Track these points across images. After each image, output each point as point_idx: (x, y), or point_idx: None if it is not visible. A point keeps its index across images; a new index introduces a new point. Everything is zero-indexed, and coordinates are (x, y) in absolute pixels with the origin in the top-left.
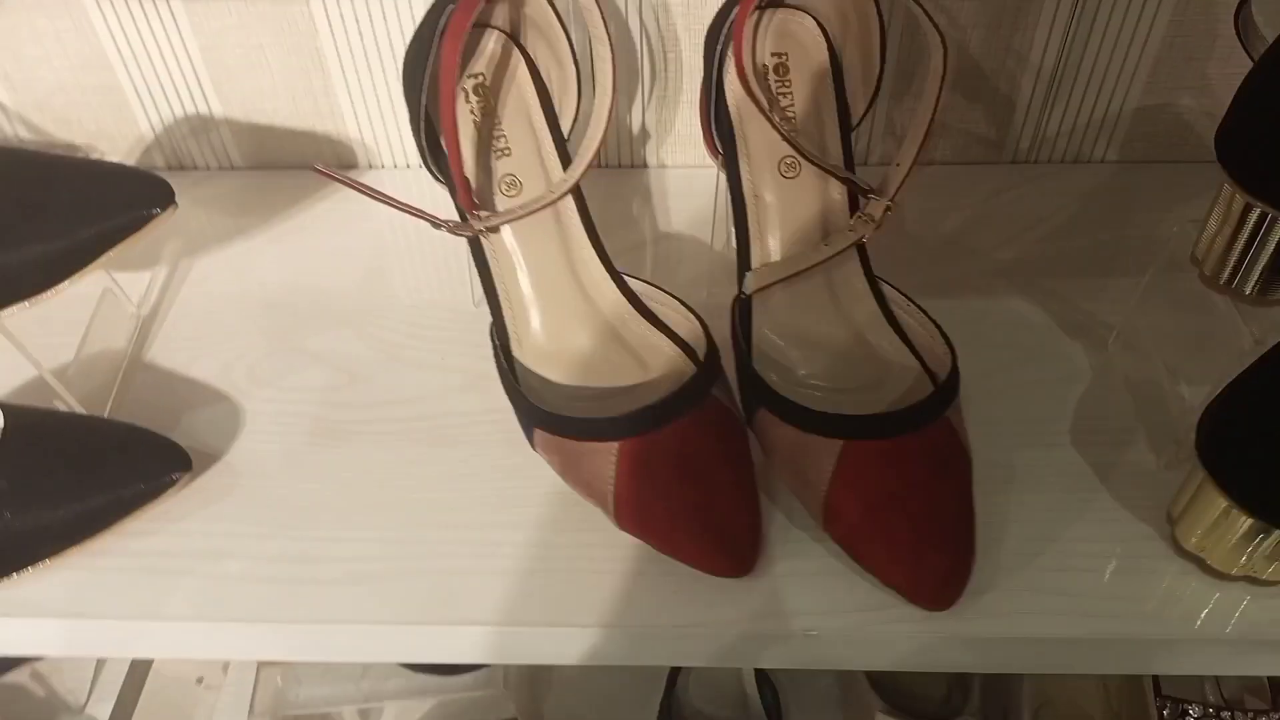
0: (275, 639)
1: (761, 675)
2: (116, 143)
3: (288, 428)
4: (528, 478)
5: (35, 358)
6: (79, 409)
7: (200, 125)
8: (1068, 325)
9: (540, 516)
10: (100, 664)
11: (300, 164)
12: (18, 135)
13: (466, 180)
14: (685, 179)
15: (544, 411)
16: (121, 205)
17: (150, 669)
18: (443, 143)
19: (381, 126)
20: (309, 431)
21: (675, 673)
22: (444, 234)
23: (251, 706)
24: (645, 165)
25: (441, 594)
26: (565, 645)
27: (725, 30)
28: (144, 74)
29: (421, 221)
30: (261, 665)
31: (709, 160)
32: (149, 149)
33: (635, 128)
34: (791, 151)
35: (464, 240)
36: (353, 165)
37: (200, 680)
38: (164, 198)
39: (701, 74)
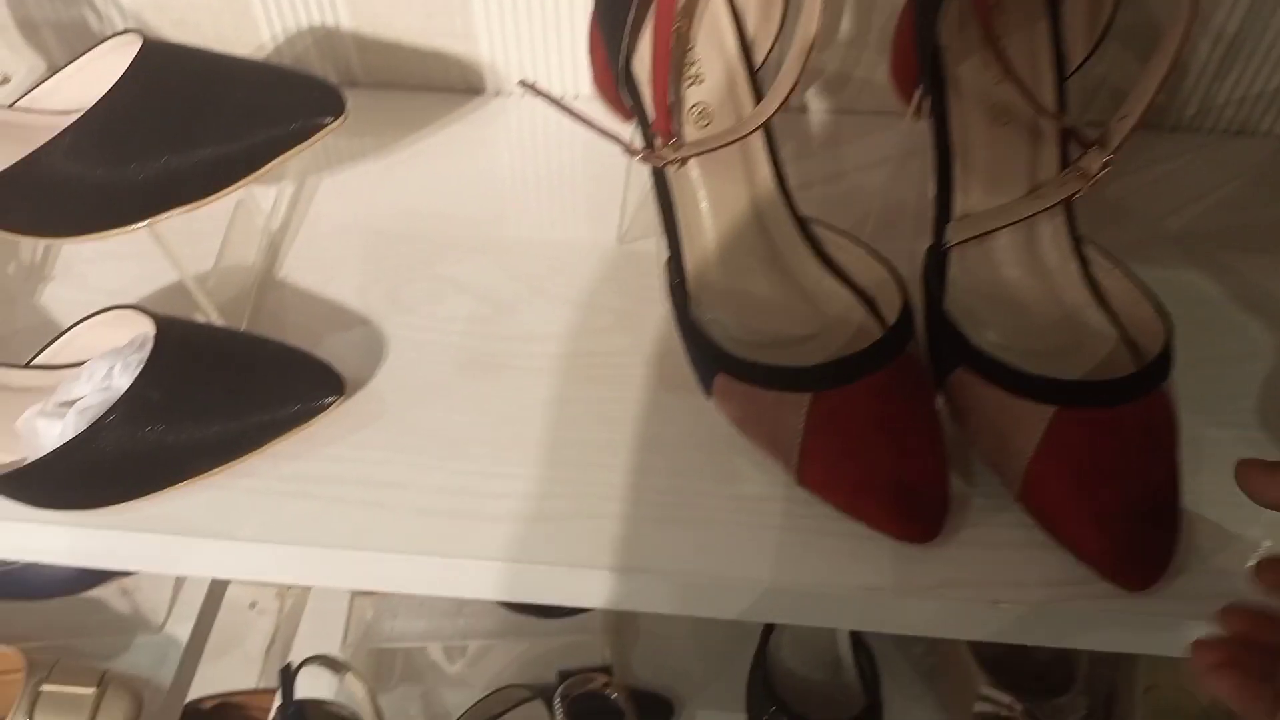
0: (429, 572)
1: (858, 639)
2: (233, 50)
3: (434, 356)
4: (684, 423)
5: (184, 266)
6: (219, 322)
7: (325, 37)
8: (1243, 300)
9: (699, 464)
10: (179, 584)
11: (424, 85)
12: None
13: (669, 106)
14: (861, 125)
15: (730, 355)
16: (293, 111)
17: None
18: (634, 68)
19: (516, 51)
20: (456, 361)
21: (769, 629)
22: (582, 166)
23: (345, 637)
24: (806, 109)
25: (600, 537)
26: (727, 600)
27: None
28: None
29: (556, 151)
30: (355, 595)
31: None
32: (267, 59)
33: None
34: (1005, 96)
35: (605, 174)
36: (480, 89)
37: (253, 605)
38: (335, 106)
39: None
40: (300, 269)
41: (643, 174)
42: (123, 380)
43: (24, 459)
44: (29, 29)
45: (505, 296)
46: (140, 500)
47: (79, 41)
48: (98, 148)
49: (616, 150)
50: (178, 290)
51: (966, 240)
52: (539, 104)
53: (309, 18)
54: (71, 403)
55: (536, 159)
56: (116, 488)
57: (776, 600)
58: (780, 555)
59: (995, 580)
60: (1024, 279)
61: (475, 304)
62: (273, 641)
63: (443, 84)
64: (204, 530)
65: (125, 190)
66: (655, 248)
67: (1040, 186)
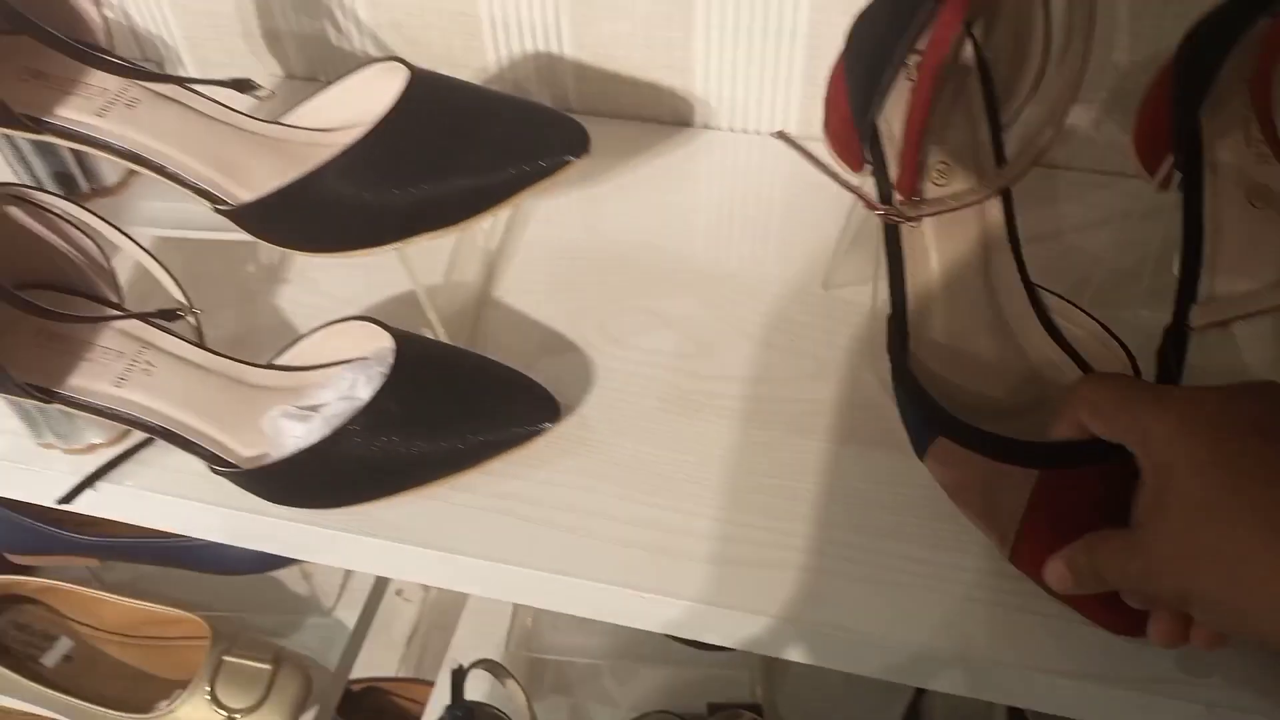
0: (621, 602)
1: (1016, 710)
2: (457, 71)
3: (639, 389)
4: (882, 480)
5: (420, 284)
6: (444, 338)
7: (546, 64)
8: None
9: (894, 524)
10: (350, 571)
11: (634, 115)
12: (365, 50)
13: (918, 164)
14: (1079, 183)
15: (955, 420)
16: (545, 147)
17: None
18: (880, 123)
19: (730, 88)
20: (660, 396)
21: (921, 689)
22: (788, 207)
23: (507, 643)
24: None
25: (788, 588)
26: (917, 668)
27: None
28: (505, 6)
29: (763, 190)
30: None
31: (1118, 167)
32: (487, 81)
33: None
34: (1266, 178)
35: (811, 217)
36: (688, 122)
37: (399, 592)
38: (581, 143)
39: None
40: (515, 291)
41: (851, 219)
42: (365, 391)
43: (265, 454)
44: (272, 38)
45: (709, 335)
46: (364, 504)
47: (316, 52)
48: (367, 172)
49: (823, 193)
50: (402, 301)
51: (1210, 324)
52: (745, 141)
53: (534, 44)
54: (316, 407)
55: (743, 196)
56: (347, 492)
57: (967, 673)
58: (979, 628)
59: (1209, 682)
60: (1269, 372)
61: (680, 340)
62: (415, 630)
63: (652, 115)
64: (420, 539)
65: (386, 213)
66: (859, 296)
67: None
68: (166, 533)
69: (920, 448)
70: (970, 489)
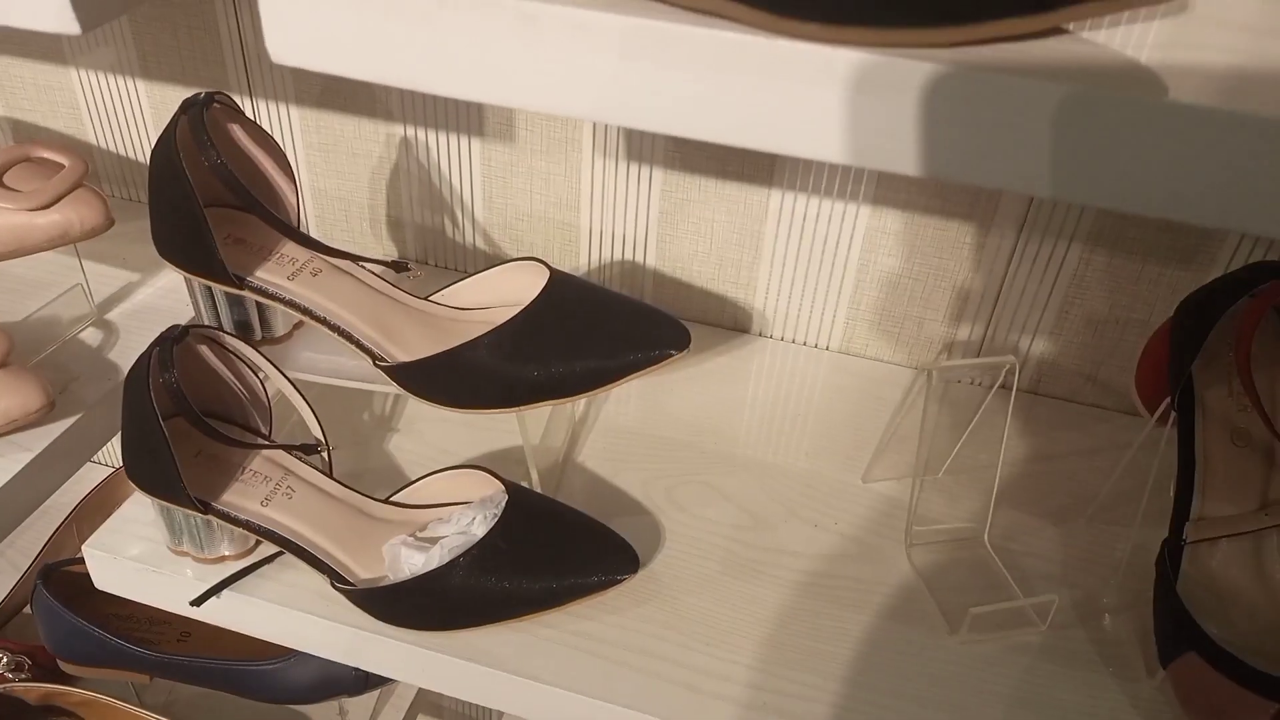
0: None
1: None
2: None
3: (703, 552)
4: (919, 655)
5: (530, 443)
6: (538, 488)
7: (631, 270)
8: None
9: (927, 695)
10: (378, 711)
11: (702, 319)
12: (474, 244)
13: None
14: (1083, 415)
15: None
16: (653, 341)
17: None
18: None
19: (785, 304)
20: (721, 560)
21: None
22: (831, 409)
23: None
24: (1037, 391)
25: None
26: None
27: (1217, 317)
28: (604, 221)
29: (810, 394)
30: None
31: (1113, 405)
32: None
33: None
34: (1246, 423)
35: (855, 422)
36: (746, 330)
37: None
38: (683, 341)
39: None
40: (596, 457)
41: (891, 425)
42: (480, 529)
43: (382, 577)
44: (395, 225)
45: (762, 512)
46: (462, 630)
47: (431, 241)
48: (511, 347)
49: (860, 400)
50: (495, 456)
51: (1200, 540)
52: (795, 350)
53: (622, 253)
54: (435, 539)
55: (792, 396)
56: (450, 617)
57: None
58: None
59: None
60: (1249, 582)
61: (738, 513)
62: None
63: (715, 320)
64: (509, 666)
65: (519, 382)
66: (894, 490)
67: (1271, 505)
68: (228, 654)
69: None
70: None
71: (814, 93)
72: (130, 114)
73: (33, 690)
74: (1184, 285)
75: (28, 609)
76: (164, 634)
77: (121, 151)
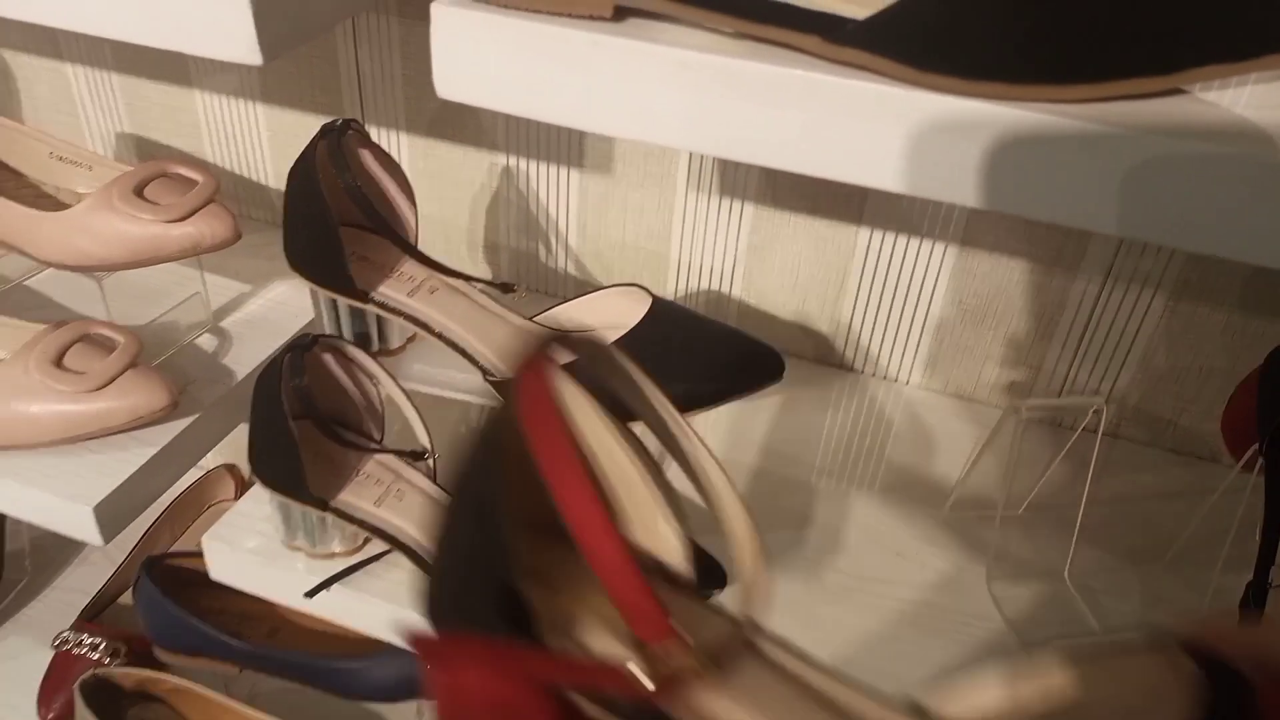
0: None
1: None
2: None
3: (787, 575)
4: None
5: None
6: None
7: (716, 300)
8: None
9: None
10: None
11: (786, 350)
12: (566, 270)
13: None
14: (1162, 460)
15: None
16: (750, 369)
17: None
18: None
19: (867, 340)
20: (805, 583)
21: None
22: (915, 444)
23: None
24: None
25: None
26: None
27: None
28: (693, 252)
29: (891, 427)
30: None
31: (1193, 450)
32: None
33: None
34: None
35: (934, 456)
36: (827, 362)
37: None
38: (779, 371)
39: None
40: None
41: (972, 455)
42: None
43: None
44: (491, 249)
45: (845, 538)
46: None
47: (525, 266)
48: None
49: (939, 435)
50: None
51: None
52: (875, 383)
53: (710, 284)
54: None
55: (872, 428)
56: None
57: None
58: None
59: None
60: None
61: (820, 538)
62: None
63: (797, 352)
64: None
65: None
66: (973, 523)
67: None
68: (321, 651)
69: None
70: None
71: (936, 137)
72: (248, 136)
73: (129, 676)
74: (1270, 336)
75: (122, 598)
76: (254, 629)
77: (238, 170)
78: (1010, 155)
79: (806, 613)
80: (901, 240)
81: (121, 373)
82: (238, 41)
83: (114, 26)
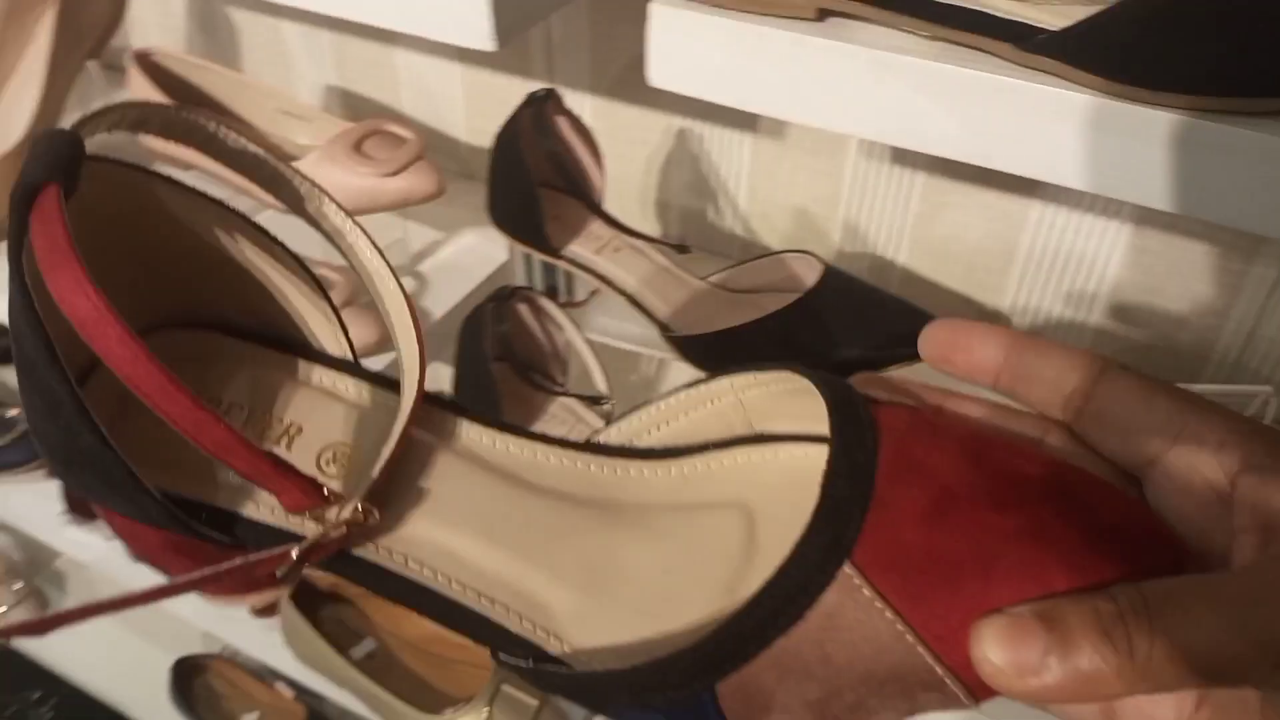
0: None
1: None
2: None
3: None
4: None
5: None
6: None
7: (880, 266)
8: None
9: None
10: None
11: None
12: (732, 230)
13: None
14: None
15: None
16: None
17: None
18: None
19: (1034, 313)
20: None
21: None
22: None
23: None
24: None
25: None
26: None
27: None
28: (861, 218)
29: None
30: None
31: None
32: None
33: None
34: None
35: None
36: None
37: None
38: None
39: None
40: None
41: None
42: None
43: None
44: (662, 206)
45: None
46: None
47: (692, 225)
48: (784, 333)
49: None
50: None
51: None
52: None
53: (875, 248)
54: None
55: None
56: None
57: None
58: None
59: None
60: None
61: None
62: None
63: None
64: None
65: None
66: None
67: None
68: None
69: None
70: None
71: (1118, 140)
72: (444, 92)
73: (324, 578)
74: None
75: None
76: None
77: (431, 124)
78: (1191, 161)
79: None
80: (1075, 216)
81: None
82: (474, 30)
83: (366, 10)
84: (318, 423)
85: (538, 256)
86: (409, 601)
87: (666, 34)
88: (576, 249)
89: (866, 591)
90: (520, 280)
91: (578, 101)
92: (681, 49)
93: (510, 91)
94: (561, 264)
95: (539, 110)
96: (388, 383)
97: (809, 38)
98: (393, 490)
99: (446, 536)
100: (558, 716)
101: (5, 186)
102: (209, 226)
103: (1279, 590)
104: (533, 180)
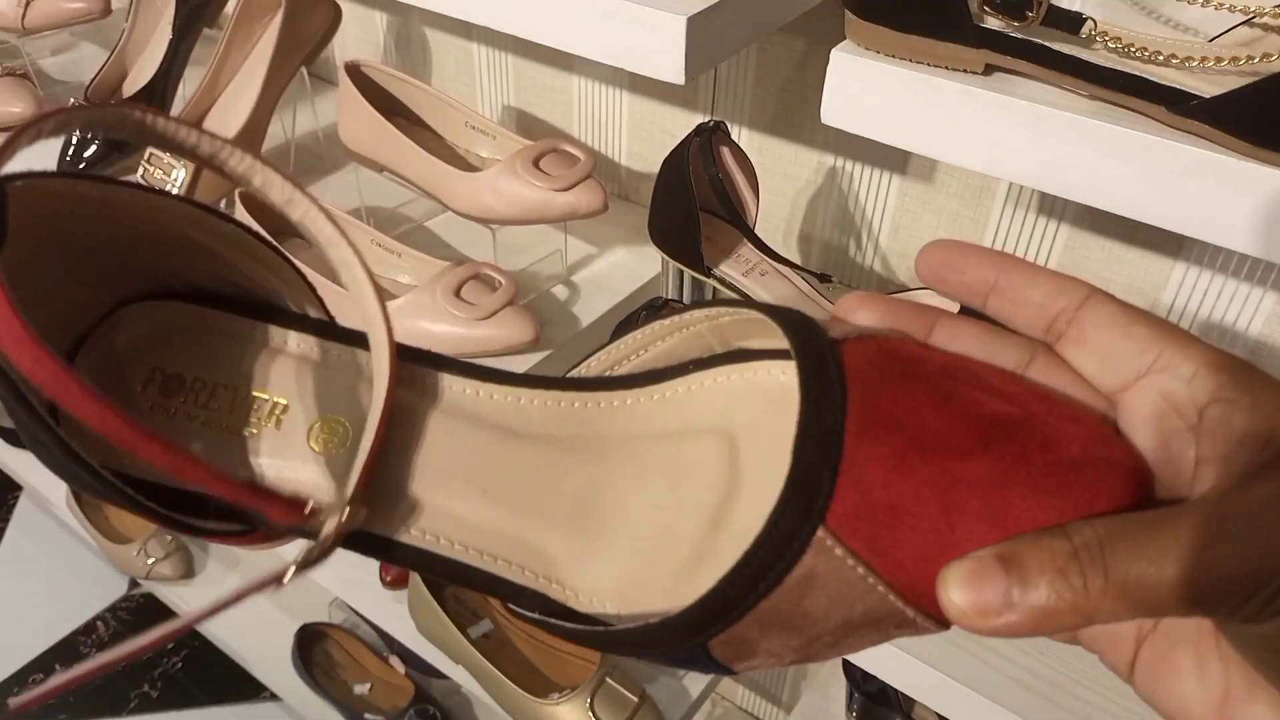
0: None
1: None
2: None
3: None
4: None
5: None
6: None
7: None
8: None
9: None
10: None
11: None
12: (872, 267)
13: None
14: None
15: None
16: None
17: None
18: None
19: None
20: None
21: None
22: None
23: None
24: None
25: None
26: None
27: None
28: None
29: None
30: None
31: None
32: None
33: None
34: None
35: None
36: None
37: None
38: None
39: None
40: None
41: None
42: None
43: None
44: (805, 239)
45: None
46: None
47: (832, 258)
48: None
49: None
50: None
51: None
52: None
53: None
54: None
55: None
56: None
57: None
58: None
59: None
60: None
61: None
62: None
63: None
64: None
65: None
66: None
67: None
68: None
69: None
70: None
71: (1261, 203)
72: (611, 118)
73: None
74: None
75: None
76: None
77: (596, 146)
78: None
79: None
80: (1219, 279)
81: (502, 308)
82: (669, 65)
83: (580, 45)
84: (304, 395)
85: (689, 274)
86: (415, 565)
87: (843, 77)
88: (726, 269)
89: (839, 551)
90: (670, 294)
91: (734, 135)
92: (856, 92)
93: (672, 122)
94: (710, 282)
95: (706, 139)
96: (366, 341)
97: (975, 90)
98: (381, 463)
99: (441, 500)
100: (655, 714)
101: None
102: (151, 212)
103: (1226, 526)
104: (695, 204)
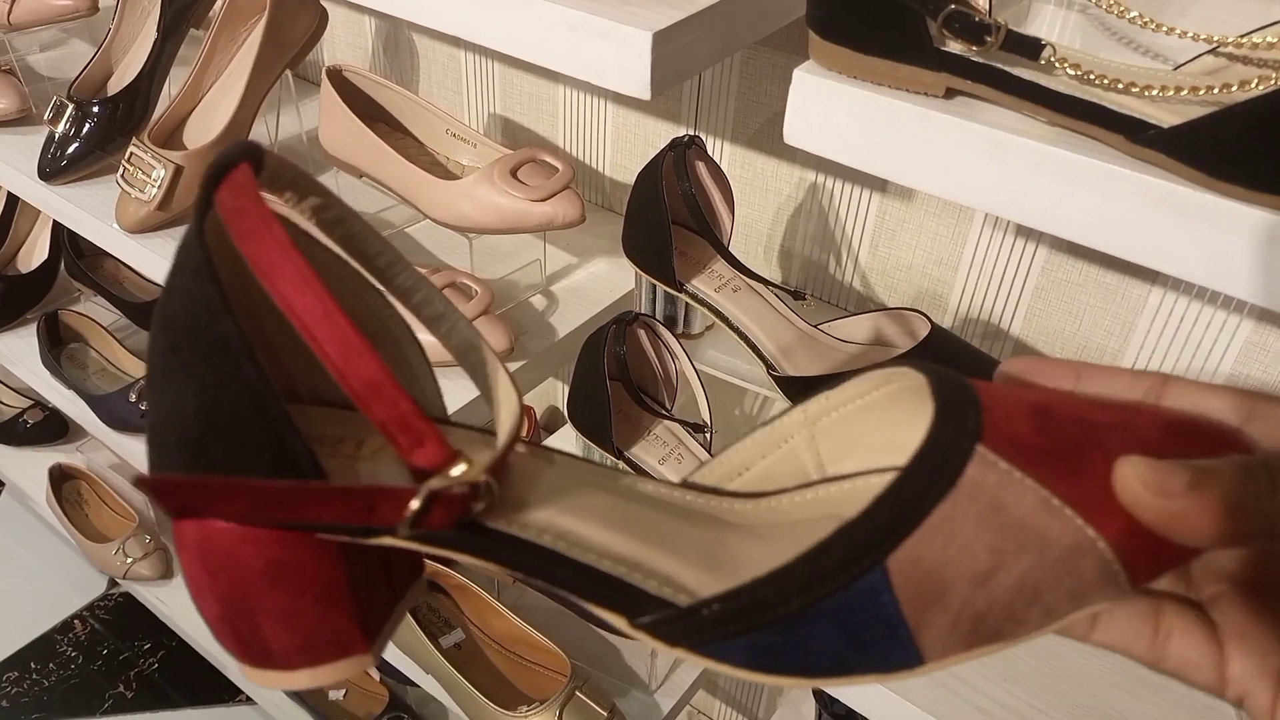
0: None
1: None
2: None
3: None
4: None
5: None
6: None
7: (993, 335)
8: None
9: None
10: (674, 666)
11: None
12: (851, 283)
13: None
14: None
15: None
16: None
17: None
18: None
19: None
20: None
21: None
22: None
23: None
24: None
25: None
26: None
27: None
28: (978, 285)
29: None
30: None
31: None
32: (955, 326)
33: None
34: None
35: None
36: None
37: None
38: None
39: None
40: None
41: None
42: None
43: None
44: (785, 255)
45: None
46: None
47: (812, 274)
48: None
49: None
50: None
51: None
52: None
53: (989, 317)
54: None
55: None
56: None
57: None
58: None
59: None
60: None
61: None
62: None
63: None
64: None
65: None
66: None
67: None
68: None
69: None
70: None
71: (1215, 233)
72: (594, 128)
73: (427, 567)
74: None
75: None
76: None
77: (578, 155)
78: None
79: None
80: (1195, 305)
81: (477, 317)
82: (634, 80)
83: (547, 57)
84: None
85: (662, 288)
86: (544, 572)
87: (805, 98)
88: (699, 285)
89: (1003, 464)
90: (643, 308)
91: (716, 149)
92: (817, 112)
93: (655, 134)
94: (683, 297)
95: (681, 154)
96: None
97: (935, 113)
98: (508, 486)
99: (569, 522)
100: None
101: (199, 178)
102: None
103: None
104: (668, 218)
